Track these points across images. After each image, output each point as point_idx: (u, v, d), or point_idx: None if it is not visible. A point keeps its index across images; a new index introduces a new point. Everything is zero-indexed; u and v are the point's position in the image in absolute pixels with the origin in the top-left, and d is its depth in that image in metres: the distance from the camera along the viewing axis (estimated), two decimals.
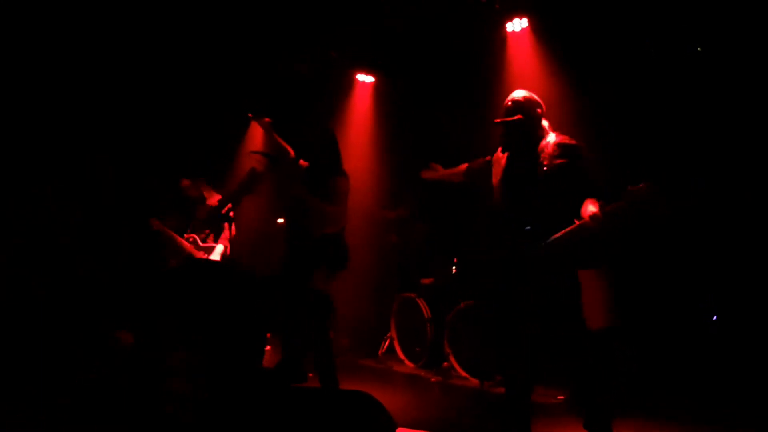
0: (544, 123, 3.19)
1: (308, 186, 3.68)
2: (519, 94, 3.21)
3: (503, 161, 3.27)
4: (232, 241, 4.64)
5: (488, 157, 3.36)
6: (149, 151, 5.05)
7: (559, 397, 4.10)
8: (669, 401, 3.88)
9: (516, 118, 3.16)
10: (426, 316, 5.24)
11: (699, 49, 4.75)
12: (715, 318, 4.55)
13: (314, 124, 3.88)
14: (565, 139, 3.10)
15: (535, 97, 3.21)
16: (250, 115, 3.99)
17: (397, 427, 2.73)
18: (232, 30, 5.09)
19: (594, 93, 4.80)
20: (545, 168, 3.06)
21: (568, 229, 2.97)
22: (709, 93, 4.52)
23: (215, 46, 5.22)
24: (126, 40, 4.81)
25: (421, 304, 5.32)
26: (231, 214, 4.44)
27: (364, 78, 6.42)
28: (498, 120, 3.21)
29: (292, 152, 3.70)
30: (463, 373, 4.78)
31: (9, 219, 4.00)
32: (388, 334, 5.66)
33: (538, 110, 3.17)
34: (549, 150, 3.08)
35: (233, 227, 4.62)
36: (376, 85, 6.46)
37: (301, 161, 3.74)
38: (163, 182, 4.73)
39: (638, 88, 4.74)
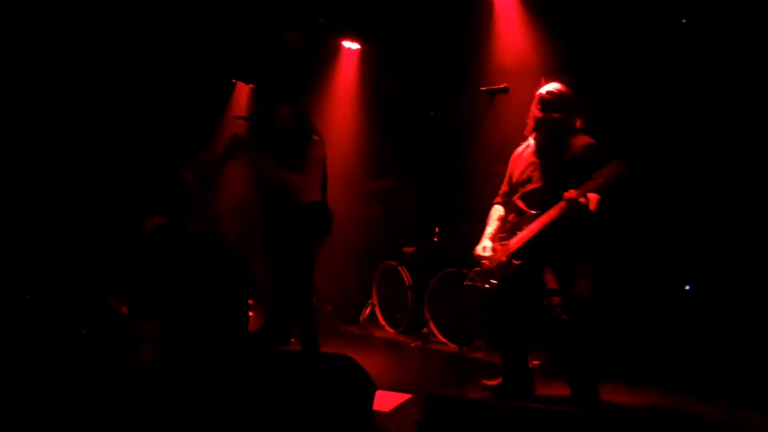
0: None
1: (279, 156, 3.67)
2: (552, 87, 3.31)
3: (532, 146, 3.40)
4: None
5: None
6: (133, 120, 4.98)
7: (534, 363, 4.23)
8: (652, 371, 3.97)
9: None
10: (407, 283, 5.33)
11: (684, 21, 4.76)
12: (688, 288, 4.68)
13: (281, 93, 3.83)
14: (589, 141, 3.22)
15: (562, 91, 3.29)
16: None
17: (377, 390, 2.82)
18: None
19: (582, 65, 4.81)
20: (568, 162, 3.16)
21: (548, 215, 3.08)
22: (698, 70, 4.54)
23: (201, 13, 5.11)
24: (108, 11, 4.70)
25: (403, 271, 5.40)
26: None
27: (350, 45, 6.35)
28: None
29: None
30: (442, 339, 4.90)
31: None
32: (370, 301, 5.75)
33: (564, 105, 3.27)
34: (575, 149, 3.18)
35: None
36: (362, 53, 6.40)
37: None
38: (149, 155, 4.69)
39: (628, 61, 4.76)
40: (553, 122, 3.26)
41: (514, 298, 3.26)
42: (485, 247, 3.43)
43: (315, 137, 3.72)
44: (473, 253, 3.49)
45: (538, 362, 4.23)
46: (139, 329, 3.79)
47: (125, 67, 4.98)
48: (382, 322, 5.61)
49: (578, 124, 3.30)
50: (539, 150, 3.34)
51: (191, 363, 3.23)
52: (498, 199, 3.59)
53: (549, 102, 3.26)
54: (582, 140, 3.23)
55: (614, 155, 3.02)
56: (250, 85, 6.31)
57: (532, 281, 3.21)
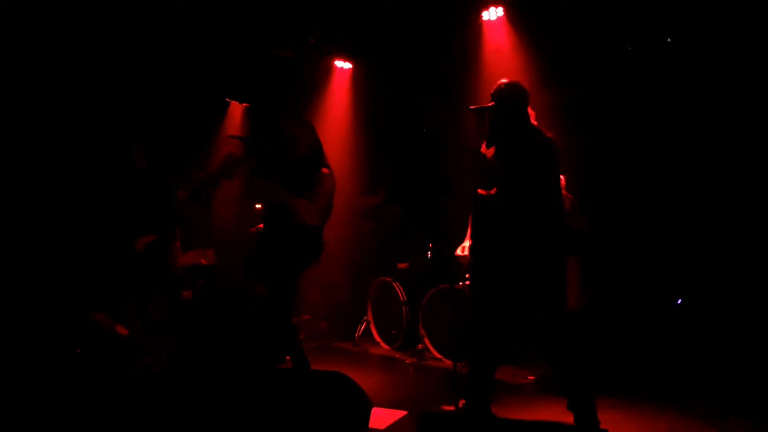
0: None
1: (287, 181, 3.63)
2: (502, 81, 3.29)
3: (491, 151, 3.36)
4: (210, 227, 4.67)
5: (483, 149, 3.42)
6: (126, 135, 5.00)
7: (530, 378, 4.24)
8: (644, 385, 4.02)
9: (489, 104, 3.25)
10: (402, 299, 5.34)
11: (669, 40, 4.87)
12: (679, 302, 4.72)
13: (294, 116, 3.81)
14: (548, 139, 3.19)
15: (516, 85, 3.27)
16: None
17: (372, 407, 2.83)
18: (212, 14, 5.05)
19: (568, 84, 4.90)
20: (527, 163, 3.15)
21: None
22: (681, 85, 4.64)
23: (195, 31, 5.16)
24: (102, 22, 4.74)
25: (397, 287, 5.42)
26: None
27: (342, 64, 6.42)
28: (473, 107, 3.30)
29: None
30: (437, 355, 4.91)
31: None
32: (365, 318, 5.76)
33: (520, 98, 3.24)
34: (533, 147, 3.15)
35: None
36: (354, 72, 6.48)
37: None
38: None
39: (613, 79, 4.84)
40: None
41: (486, 301, 3.24)
42: (464, 246, 3.43)
43: (325, 170, 3.66)
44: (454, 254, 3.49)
45: (533, 377, 4.24)
46: (142, 344, 3.77)
47: (123, 82, 5.01)
48: (377, 338, 5.61)
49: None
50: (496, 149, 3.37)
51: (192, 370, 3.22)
52: None
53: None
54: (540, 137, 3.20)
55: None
56: (244, 104, 6.36)
57: (496, 283, 3.21)
